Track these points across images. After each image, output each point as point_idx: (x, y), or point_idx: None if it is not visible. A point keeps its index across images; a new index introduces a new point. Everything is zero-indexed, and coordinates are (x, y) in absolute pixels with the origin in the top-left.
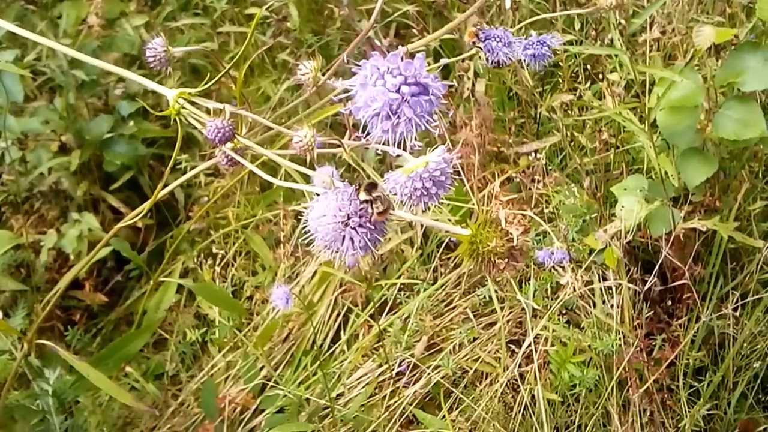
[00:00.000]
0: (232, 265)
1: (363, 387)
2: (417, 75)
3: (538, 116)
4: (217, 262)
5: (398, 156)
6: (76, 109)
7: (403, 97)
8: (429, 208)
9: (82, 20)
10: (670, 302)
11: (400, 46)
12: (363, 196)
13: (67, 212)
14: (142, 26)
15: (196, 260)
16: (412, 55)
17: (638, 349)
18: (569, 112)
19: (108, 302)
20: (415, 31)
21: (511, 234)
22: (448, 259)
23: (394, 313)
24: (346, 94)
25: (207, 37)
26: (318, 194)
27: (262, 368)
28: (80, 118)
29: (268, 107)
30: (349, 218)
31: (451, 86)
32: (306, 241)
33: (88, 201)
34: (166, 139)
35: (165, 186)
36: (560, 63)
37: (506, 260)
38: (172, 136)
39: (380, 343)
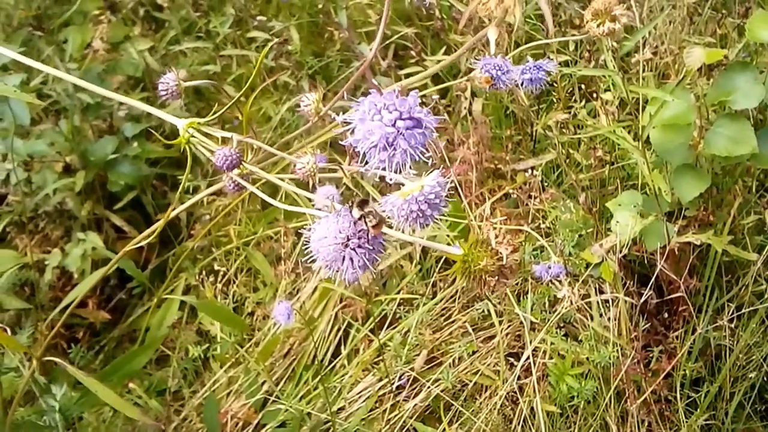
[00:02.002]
0: (234, 282)
1: (364, 401)
2: (411, 110)
3: (534, 134)
4: (219, 279)
5: (397, 180)
6: (81, 131)
7: (398, 131)
8: (422, 228)
9: (87, 44)
10: (666, 314)
11: (398, 68)
12: (356, 212)
13: (71, 232)
14: (146, 50)
15: (197, 277)
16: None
17: (635, 360)
18: (564, 130)
19: (111, 319)
20: (413, 52)
21: (500, 253)
22: (447, 274)
23: (394, 328)
24: (347, 128)
25: (210, 60)
26: (320, 217)
27: (263, 383)
28: (85, 140)
29: (269, 127)
30: (348, 240)
31: (448, 106)
32: (307, 259)
33: (91, 220)
34: (168, 159)
35: (174, 208)
36: (555, 83)
37: (496, 278)
38: (174, 156)
39: (380, 358)
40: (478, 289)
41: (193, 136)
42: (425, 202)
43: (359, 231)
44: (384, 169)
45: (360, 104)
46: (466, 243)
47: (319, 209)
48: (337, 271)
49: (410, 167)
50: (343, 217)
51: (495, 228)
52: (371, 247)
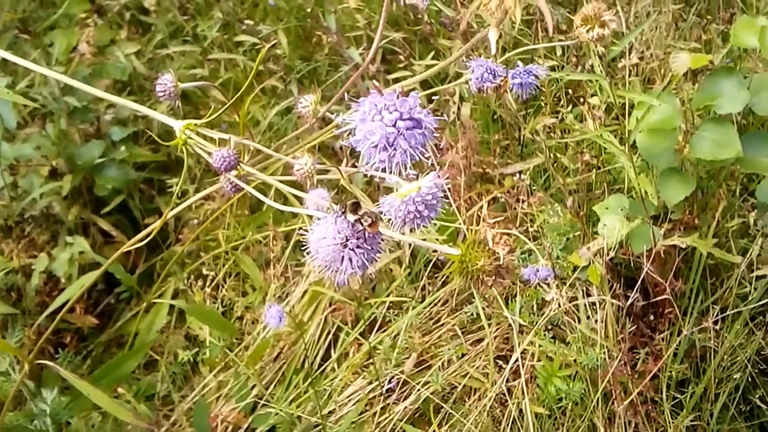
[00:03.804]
0: (223, 287)
1: (354, 404)
2: (411, 111)
3: (521, 138)
4: (208, 284)
5: (393, 182)
6: (67, 135)
7: (398, 131)
8: (418, 228)
9: (73, 48)
10: (652, 317)
11: (386, 73)
12: (351, 217)
13: (58, 236)
14: (133, 54)
15: (186, 282)
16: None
17: (622, 362)
18: (552, 134)
19: (98, 324)
20: (401, 57)
21: (497, 253)
22: (436, 277)
23: (384, 331)
24: (346, 128)
25: (197, 64)
26: (319, 218)
27: (253, 387)
28: (72, 144)
29: (258, 131)
30: (347, 240)
31: (436, 110)
32: (298, 263)
33: (78, 225)
34: (156, 164)
35: (170, 210)
36: (542, 87)
37: (494, 277)
38: (161, 161)
39: (370, 361)
40: (474, 288)
41: (189, 138)
42: (422, 202)
43: (358, 231)
44: (384, 169)
45: (360, 105)
46: (463, 243)
47: (310, 213)
48: (336, 271)
49: (410, 167)
50: (341, 218)
51: (492, 228)
52: (369, 247)
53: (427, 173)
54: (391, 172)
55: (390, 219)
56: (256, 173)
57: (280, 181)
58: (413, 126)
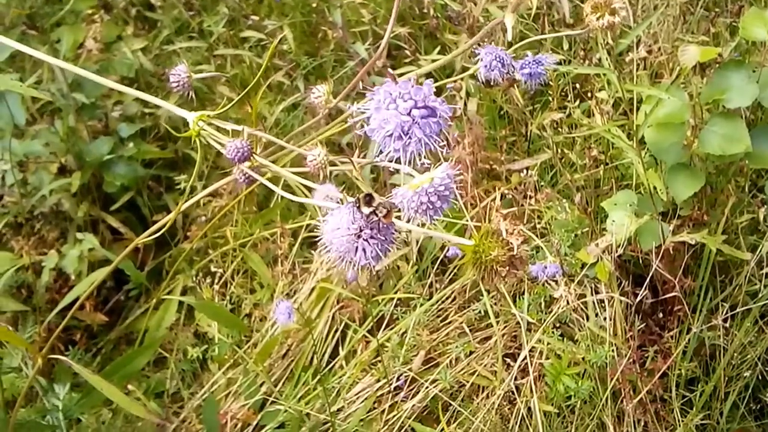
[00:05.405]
0: (231, 284)
1: (362, 401)
2: (426, 99)
3: (528, 134)
4: (216, 281)
5: (404, 174)
6: (76, 132)
7: (413, 120)
8: (431, 220)
9: (80, 44)
10: (661, 314)
11: (392, 68)
12: (365, 209)
13: (67, 233)
14: (139, 50)
15: (194, 279)
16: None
17: (631, 360)
18: (559, 129)
19: (107, 322)
20: (407, 52)
21: (511, 244)
22: (444, 274)
23: (392, 329)
24: (360, 117)
25: (203, 60)
26: (332, 209)
27: (262, 384)
28: (80, 141)
29: (265, 128)
30: (361, 230)
31: None
32: (304, 260)
33: (87, 222)
34: (163, 161)
35: (182, 204)
36: (550, 82)
37: (507, 268)
38: (169, 158)
39: (378, 358)
40: (488, 279)
41: (203, 129)
42: (435, 194)
43: (371, 222)
44: (398, 158)
45: (375, 93)
46: (476, 233)
47: (322, 205)
48: (350, 262)
49: (425, 157)
50: (355, 208)
51: (505, 219)
52: (383, 238)
53: (438, 164)
54: (406, 162)
55: (402, 210)
56: (270, 165)
57: (292, 173)
58: (428, 114)
